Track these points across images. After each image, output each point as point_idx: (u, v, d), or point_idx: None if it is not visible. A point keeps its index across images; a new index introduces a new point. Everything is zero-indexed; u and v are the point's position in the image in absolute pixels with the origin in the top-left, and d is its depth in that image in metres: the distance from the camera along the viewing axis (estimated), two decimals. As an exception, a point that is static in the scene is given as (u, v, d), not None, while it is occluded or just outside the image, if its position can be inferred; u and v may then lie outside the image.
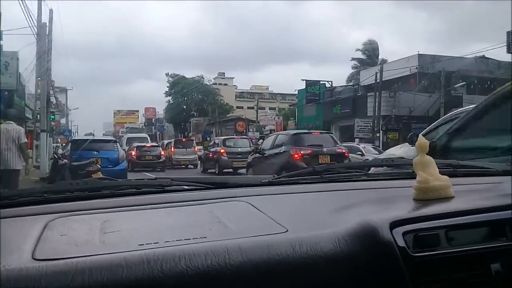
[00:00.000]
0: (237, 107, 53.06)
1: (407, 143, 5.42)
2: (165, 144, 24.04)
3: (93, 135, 15.24)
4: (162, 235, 0.92)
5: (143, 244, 0.86)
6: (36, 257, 0.81)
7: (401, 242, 0.90)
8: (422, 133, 4.83)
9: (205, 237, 0.90)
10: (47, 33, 16.23)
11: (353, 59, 35.67)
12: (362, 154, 16.40)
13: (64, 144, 15.27)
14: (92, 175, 7.10)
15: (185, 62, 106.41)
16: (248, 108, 49.31)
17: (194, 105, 47.25)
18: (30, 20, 15.40)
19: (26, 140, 7.38)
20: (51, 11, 17.78)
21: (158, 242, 0.87)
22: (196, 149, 22.76)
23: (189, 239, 0.89)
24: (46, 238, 0.92)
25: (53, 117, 24.42)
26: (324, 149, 11.12)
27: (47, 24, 16.48)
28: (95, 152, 11.89)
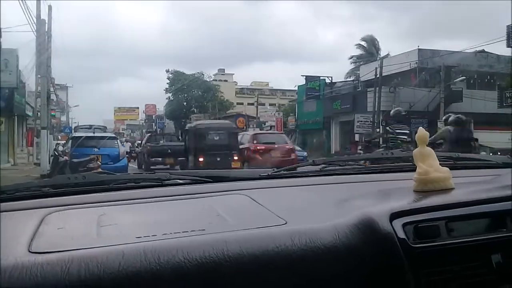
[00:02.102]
0: (237, 103, 52.93)
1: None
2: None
3: (93, 132, 15.19)
4: (160, 228, 0.92)
5: (140, 237, 0.85)
6: (32, 250, 0.80)
7: (401, 234, 0.89)
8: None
9: (203, 230, 0.89)
10: (46, 30, 16.16)
11: (351, 57, 35.56)
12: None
13: (64, 142, 15.26)
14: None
15: (179, 60, 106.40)
16: (248, 104, 49.12)
17: (194, 101, 47.17)
18: (29, 17, 15.37)
19: None
20: (50, 7, 17.74)
21: (156, 235, 0.87)
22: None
23: (187, 231, 0.88)
24: (43, 231, 0.91)
25: (53, 114, 24.41)
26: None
27: (46, 21, 16.41)
28: (95, 149, 11.90)
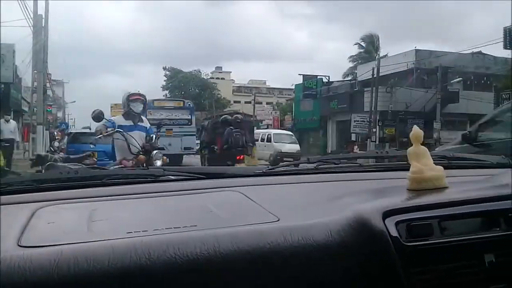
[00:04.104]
0: (235, 102, 52.87)
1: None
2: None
3: (90, 128, 15.05)
4: (151, 223, 0.91)
5: (131, 232, 0.85)
6: (21, 244, 0.80)
7: (393, 232, 0.89)
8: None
9: (195, 226, 0.89)
10: (43, 25, 16.07)
11: (351, 56, 35.60)
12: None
13: (60, 138, 15.23)
14: (88, 169, 7.05)
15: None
16: (246, 102, 49.13)
17: (192, 99, 47.16)
18: (26, 12, 15.29)
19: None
20: (47, 2, 17.62)
21: (147, 230, 0.86)
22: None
23: (179, 227, 0.88)
24: (33, 225, 0.91)
25: (50, 110, 24.29)
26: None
27: (43, 16, 16.31)
28: (91, 146, 11.86)
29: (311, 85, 30.00)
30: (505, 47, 18.28)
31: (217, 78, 55.01)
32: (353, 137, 24.29)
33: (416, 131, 1.15)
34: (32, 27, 15.21)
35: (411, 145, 1.15)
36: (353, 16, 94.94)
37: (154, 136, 5.02)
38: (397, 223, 0.91)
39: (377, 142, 22.35)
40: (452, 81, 23.19)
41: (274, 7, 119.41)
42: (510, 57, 19.90)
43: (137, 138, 4.84)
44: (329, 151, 25.97)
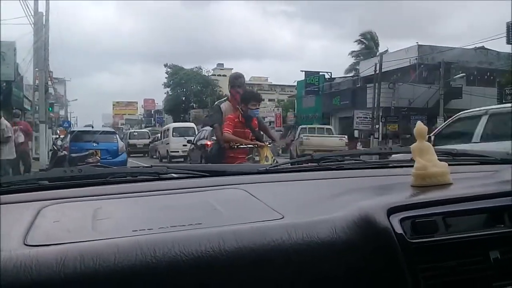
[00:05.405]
0: (237, 99, 52.66)
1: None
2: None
3: (92, 126, 15.03)
4: (156, 221, 0.91)
5: (136, 230, 0.85)
6: (27, 243, 0.80)
7: (398, 229, 0.89)
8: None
9: (200, 224, 0.89)
10: (44, 22, 16.07)
11: (351, 52, 35.53)
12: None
13: (63, 136, 15.17)
14: (91, 166, 7.05)
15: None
16: (247, 99, 49.04)
17: (193, 96, 47.14)
18: (26, 10, 15.29)
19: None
20: (47, 1, 17.61)
21: (152, 229, 0.86)
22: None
23: (184, 225, 0.88)
24: (39, 224, 0.91)
25: (51, 108, 24.37)
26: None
27: (44, 14, 16.31)
28: (94, 144, 11.88)
29: (313, 82, 29.95)
30: (508, 42, 18.21)
31: (219, 75, 54.89)
32: (356, 134, 24.26)
33: (420, 127, 1.15)
34: (33, 25, 15.22)
35: (415, 141, 1.15)
36: (350, 15, 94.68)
37: None
38: (401, 220, 0.91)
39: (380, 139, 22.33)
40: (455, 77, 23.11)
41: (276, 6, 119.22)
42: (513, 52, 19.84)
43: None
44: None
